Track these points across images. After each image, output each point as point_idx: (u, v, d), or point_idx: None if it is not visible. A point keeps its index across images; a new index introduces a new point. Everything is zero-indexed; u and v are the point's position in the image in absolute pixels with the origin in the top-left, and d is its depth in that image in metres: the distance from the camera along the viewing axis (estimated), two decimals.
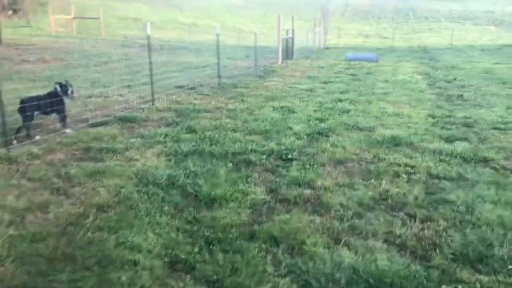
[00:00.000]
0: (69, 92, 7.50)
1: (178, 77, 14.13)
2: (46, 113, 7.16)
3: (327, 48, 33.13)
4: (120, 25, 44.27)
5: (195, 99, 10.78)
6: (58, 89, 7.38)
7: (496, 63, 21.00)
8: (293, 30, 23.18)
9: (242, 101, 10.62)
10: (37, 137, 6.82)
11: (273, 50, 22.67)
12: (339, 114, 9.17)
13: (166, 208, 4.49)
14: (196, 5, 60.85)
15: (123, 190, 4.89)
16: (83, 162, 5.81)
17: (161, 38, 38.58)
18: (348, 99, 10.88)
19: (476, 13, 59.76)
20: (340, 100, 10.85)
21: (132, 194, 4.79)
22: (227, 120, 8.42)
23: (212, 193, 4.71)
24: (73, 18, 37.22)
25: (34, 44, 24.68)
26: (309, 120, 8.54)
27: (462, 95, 11.71)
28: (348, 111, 9.46)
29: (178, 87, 12.36)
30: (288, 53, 22.55)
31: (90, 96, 10.82)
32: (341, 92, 12.17)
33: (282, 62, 20.82)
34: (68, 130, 7.35)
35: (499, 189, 4.95)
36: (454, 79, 15.18)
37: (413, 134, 7.52)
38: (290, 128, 7.86)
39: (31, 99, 6.92)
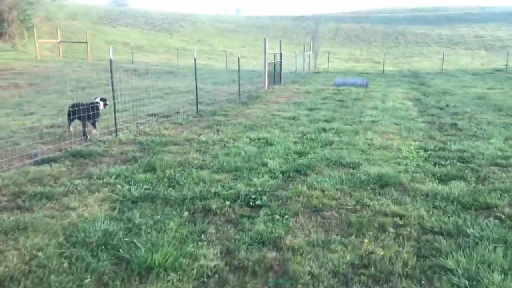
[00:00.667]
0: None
1: (156, 103, 13.25)
2: None
3: (317, 72, 32.63)
4: (107, 49, 43.64)
5: (166, 129, 9.86)
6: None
7: (489, 88, 20.42)
8: (280, 54, 22.58)
9: (218, 131, 9.72)
10: None
11: (261, 74, 22.01)
12: (321, 147, 8.28)
13: (87, 280, 3.50)
14: (187, 29, 60.75)
15: (40, 253, 3.90)
16: (4, 213, 4.82)
17: (149, 62, 38.10)
18: (333, 129, 10.02)
19: (466, 38, 60.14)
20: (324, 130, 9.98)
21: (50, 260, 3.79)
22: (195, 155, 7.49)
23: (150, 259, 3.73)
24: (60, 42, 36.54)
25: (12, 68, 23.84)
26: (287, 154, 7.64)
27: (455, 124, 10.91)
28: (331, 143, 8.58)
29: (151, 115, 11.47)
30: (275, 77, 21.86)
31: (51, 126, 9.89)
32: (326, 121, 11.33)
33: (268, 87, 20.09)
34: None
35: (508, 249, 4.02)
36: (447, 105, 14.45)
37: (403, 171, 6.63)
38: (265, 165, 6.94)
39: None
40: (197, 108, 12.37)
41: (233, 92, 17.25)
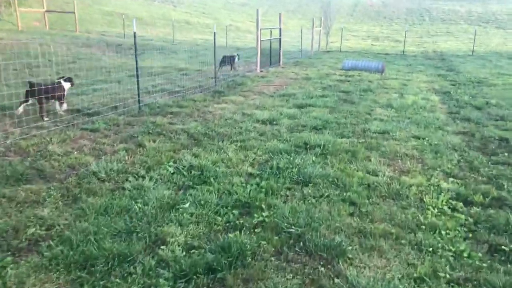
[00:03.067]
0: None
1: (100, 92, 9.91)
2: None
3: (328, 51, 28.70)
4: (103, 21, 40.30)
5: (50, 141, 6.52)
6: None
7: None
8: (280, 30, 18.86)
9: (137, 146, 6.36)
10: None
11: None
12: (287, 189, 4.89)
13: None
14: (193, 1, 56.69)
15: None
16: None
17: (145, 36, 34.63)
18: (320, 146, 6.56)
19: (498, 15, 54.66)
20: (306, 148, 6.55)
21: None
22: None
23: None
24: (46, 11, 33.25)
25: None
26: (217, 213, 4.28)
27: (507, 140, 7.32)
28: (307, 180, 5.16)
29: (75, 112, 8.14)
30: (272, 58, 18.23)
31: None
32: (315, 128, 7.86)
33: (261, 70, 16.52)
34: None
35: None
36: (487, 103, 10.74)
37: (430, 271, 3.23)
38: (158, 244, 3.60)
39: None
40: (139, 103, 8.97)
41: (219, 76, 13.81)
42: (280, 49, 18.85)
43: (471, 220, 4.27)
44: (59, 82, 8.05)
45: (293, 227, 3.97)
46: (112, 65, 16.19)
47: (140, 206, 4.31)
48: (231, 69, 15.62)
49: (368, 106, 10.17)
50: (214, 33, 12.47)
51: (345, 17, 52.96)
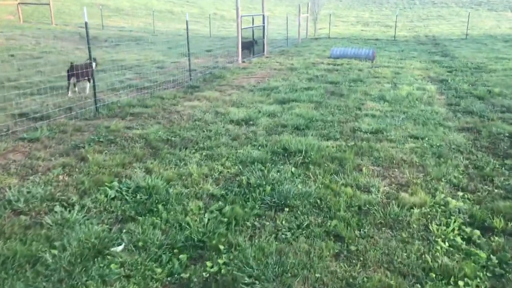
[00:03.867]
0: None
1: (57, 91, 8.72)
2: None
3: (316, 38, 27.50)
4: (82, 13, 38.50)
5: None
6: None
7: None
8: (264, 17, 17.64)
9: (64, 169, 5.24)
10: None
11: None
12: (253, 233, 3.81)
13: None
14: None
15: None
16: None
17: (124, 27, 33.14)
18: (301, 152, 5.48)
19: None
20: (285, 155, 5.48)
21: None
22: None
23: None
24: (19, 3, 31.63)
25: None
26: (157, 261, 3.22)
27: None
28: (282, 206, 4.09)
29: (22, 116, 6.98)
30: (255, 47, 17.05)
31: None
32: (297, 128, 6.78)
33: (243, 61, 15.35)
34: None
35: None
36: (489, 92, 9.72)
37: None
38: None
39: None
40: (95, 103, 7.79)
41: (196, 68, 12.64)
42: (264, 38, 17.66)
43: (494, 259, 3.23)
44: (90, 63, 8.48)
45: (257, 283, 2.90)
46: (82, 59, 14.93)
47: (56, 253, 3.21)
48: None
49: (358, 99, 9.09)
50: (187, 21, 11.27)
51: (333, 3, 51.67)
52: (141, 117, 7.36)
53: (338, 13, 46.99)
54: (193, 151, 5.64)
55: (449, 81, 11.40)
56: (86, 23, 7.48)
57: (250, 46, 16.30)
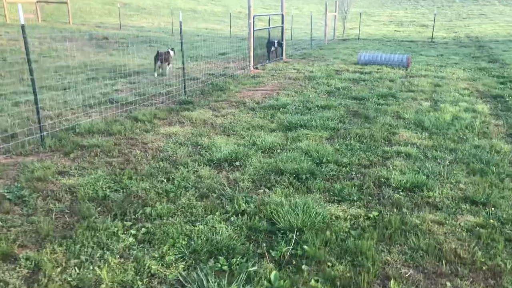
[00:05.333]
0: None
1: (21, 108, 7.05)
2: None
3: (344, 39, 25.17)
4: (102, 11, 37.63)
5: None
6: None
7: None
8: (282, 17, 15.60)
9: None
10: None
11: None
12: None
13: None
14: None
15: None
16: None
17: (143, 27, 31.77)
18: (293, 233, 3.47)
19: None
20: (268, 235, 3.49)
21: None
22: None
23: None
24: (37, 2, 30.74)
25: None
26: None
27: None
28: None
29: None
30: (271, 51, 15.06)
31: None
32: (296, 178, 4.77)
33: (256, 67, 13.38)
34: None
35: None
36: None
37: None
38: None
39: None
40: (40, 131, 6.00)
41: (198, 77, 10.80)
42: (282, 40, 15.61)
43: None
44: (168, 52, 11.57)
45: None
46: (80, 64, 13.33)
47: None
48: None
49: (388, 125, 6.96)
50: (180, 22, 9.39)
51: (365, 0, 48.87)
52: (91, 152, 5.51)
53: (370, 11, 44.25)
54: (130, 223, 3.73)
55: (505, 97, 9.07)
56: (22, 26, 5.68)
57: (272, 47, 14.63)
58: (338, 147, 5.88)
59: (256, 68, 13.31)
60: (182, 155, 5.46)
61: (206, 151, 5.61)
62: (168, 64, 11.49)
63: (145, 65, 13.80)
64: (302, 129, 6.70)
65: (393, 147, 5.89)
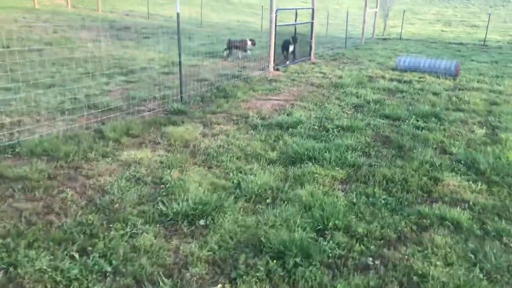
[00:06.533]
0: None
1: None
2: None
3: (384, 39, 22.93)
4: (135, 0, 36.67)
5: None
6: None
7: None
8: (313, 12, 13.76)
9: None
10: None
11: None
12: None
13: None
14: None
15: None
16: None
17: (172, 17, 30.50)
18: None
19: None
20: None
21: None
22: None
23: None
24: None
25: None
26: None
27: None
28: None
29: None
30: (301, 48, 13.30)
31: None
32: (280, 262, 3.07)
33: (276, 68, 11.66)
34: None
35: None
36: None
37: None
38: None
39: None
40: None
41: (207, 78, 9.29)
42: (311, 38, 13.79)
43: None
44: (245, 40, 13.14)
45: None
46: (85, 56, 12.04)
47: None
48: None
49: (428, 163, 5.12)
50: (178, 13, 7.81)
51: None
52: (7, 190, 4.02)
53: (416, 8, 41.30)
54: None
55: None
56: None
57: (289, 46, 12.69)
58: (354, 199, 4.14)
59: (277, 70, 11.60)
60: (130, 202, 3.89)
61: (166, 196, 4.02)
62: (245, 51, 13.05)
63: (156, 60, 12.39)
64: (310, 163, 4.98)
65: (434, 205, 4.09)
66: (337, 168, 4.88)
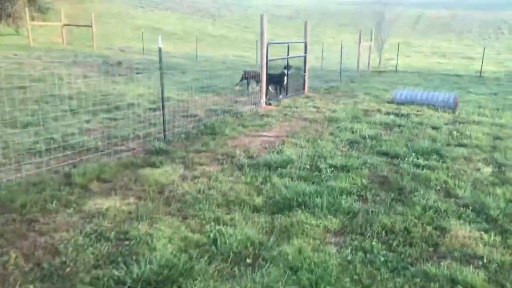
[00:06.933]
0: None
1: None
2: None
3: (380, 72, 22.76)
4: (132, 36, 36.95)
5: None
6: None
7: None
8: (305, 45, 13.52)
9: None
10: None
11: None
12: None
13: None
14: (235, 15, 52.51)
15: None
16: None
17: (169, 52, 30.58)
18: None
19: None
20: None
21: None
22: None
23: None
24: (64, 25, 30.26)
25: None
26: None
27: None
28: None
29: None
30: (295, 82, 12.95)
31: None
32: None
33: (268, 102, 11.24)
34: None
35: None
36: None
37: None
38: None
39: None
40: None
41: (196, 114, 8.83)
42: (304, 72, 13.47)
43: None
44: (254, 71, 12.70)
45: None
46: (71, 93, 11.63)
47: None
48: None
49: (432, 209, 4.55)
50: (160, 48, 7.41)
51: (406, 30, 46.35)
52: None
53: (411, 41, 41.66)
54: None
55: None
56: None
57: (280, 81, 12.25)
58: (349, 256, 3.55)
59: (269, 104, 11.17)
60: (84, 265, 3.29)
61: (129, 255, 3.42)
62: (256, 82, 12.67)
63: (145, 96, 11.98)
64: (299, 210, 4.41)
65: (442, 263, 3.49)
66: (329, 217, 4.31)
